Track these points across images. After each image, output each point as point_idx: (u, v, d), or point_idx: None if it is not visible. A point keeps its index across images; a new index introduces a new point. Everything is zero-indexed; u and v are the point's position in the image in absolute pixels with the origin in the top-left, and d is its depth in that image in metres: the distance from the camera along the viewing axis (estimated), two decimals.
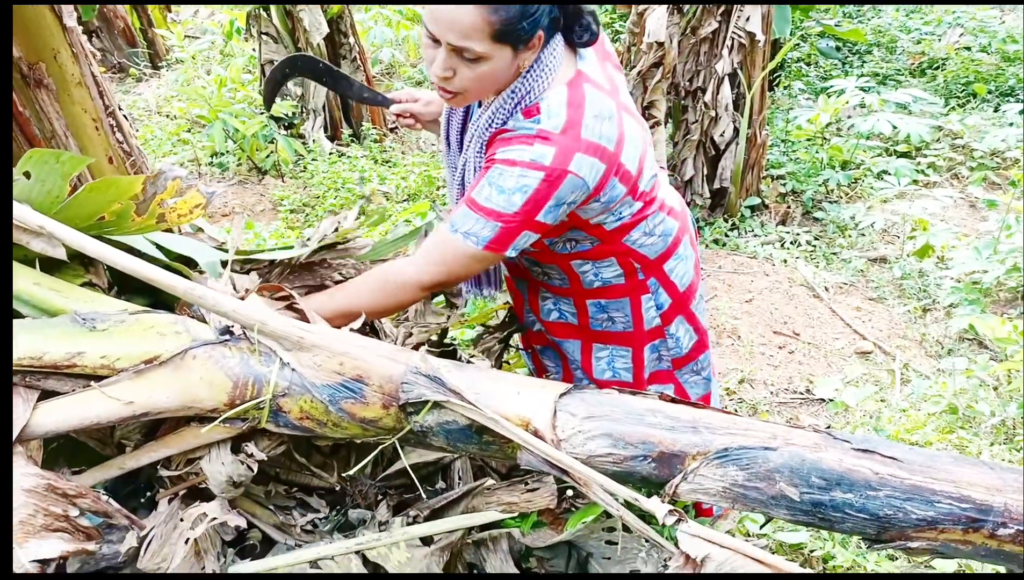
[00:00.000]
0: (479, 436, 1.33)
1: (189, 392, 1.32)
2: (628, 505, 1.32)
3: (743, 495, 1.28)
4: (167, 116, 6.55)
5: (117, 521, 1.39)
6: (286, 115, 5.59)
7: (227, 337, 1.36)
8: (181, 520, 1.47)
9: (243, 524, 1.46)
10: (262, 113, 5.60)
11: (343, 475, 1.66)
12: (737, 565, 1.22)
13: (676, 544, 1.25)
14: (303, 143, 5.68)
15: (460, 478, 1.95)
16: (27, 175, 1.26)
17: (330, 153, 5.65)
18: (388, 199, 5.12)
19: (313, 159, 5.53)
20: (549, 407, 1.30)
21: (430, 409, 1.32)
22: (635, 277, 1.78)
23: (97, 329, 1.33)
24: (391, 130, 6.25)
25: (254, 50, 6.50)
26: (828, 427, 2.80)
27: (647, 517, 1.33)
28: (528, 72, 1.48)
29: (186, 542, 1.44)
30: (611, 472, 1.29)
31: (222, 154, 5.68)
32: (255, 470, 1.40)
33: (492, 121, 1.53)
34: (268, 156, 5.54)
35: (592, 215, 1.60)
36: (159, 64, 8.07)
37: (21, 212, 1.26)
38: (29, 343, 1.28)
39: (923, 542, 1.24)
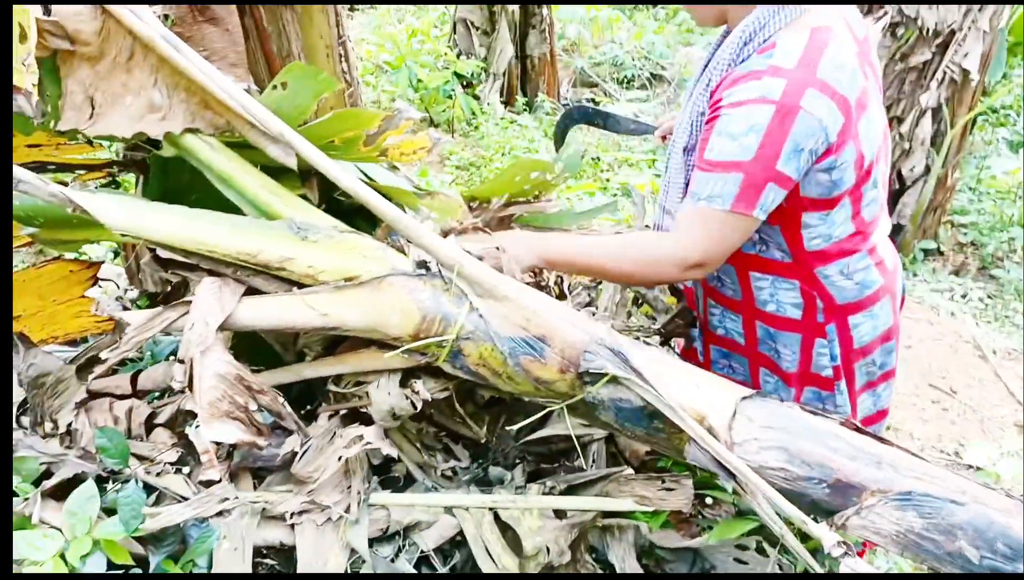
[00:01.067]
0: (650, 420, 1.31)
1: (380, 316, 1.37)
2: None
3: (916, 544, 1.20)
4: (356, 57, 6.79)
5: (287, 424, 1.46)
6: (469, 74, 5.70)
7: (423, 271, 1.39)
8: (339, 437, 1.53)
9: (395, 455, 1.50)
10: (446, 68, 5.73)
11: (495, 430, 1.69)
12: None
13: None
14: (478, 103, 5.78)
15: (594, 461, 1.94)
16: (283, 85, 1.32)
17: (501, 118, 5.72)
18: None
19: (485, 121, 5.62)
20: (729, 407, 1.26)
21: (606, 382, 1.31)
22: (813, 317, 1.64)
23: (308, 240, 1.39)
24: (564, 106, 6.26)
25: (447, 8, 6.65)
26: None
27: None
28: (761, 9, 1.41)
29: (339, 459, 1.50)
30: (779, 488, 1.24)
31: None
32: (418, 408, 1.44)
33: (723, 58, 1.46)
34: (444, 111, 5.67)
35: (809, 192, 1.47)
36: (354, 8, 8.38)
37: (265, 117, 1.32)
38: (247, 240, 1.36)
39: None
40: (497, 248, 1.54)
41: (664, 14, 8.47)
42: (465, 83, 5.90)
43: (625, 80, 7.01)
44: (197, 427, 1.32)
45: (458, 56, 5.85)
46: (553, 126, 5.84)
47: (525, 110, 5.97)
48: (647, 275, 1.57)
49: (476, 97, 5.83)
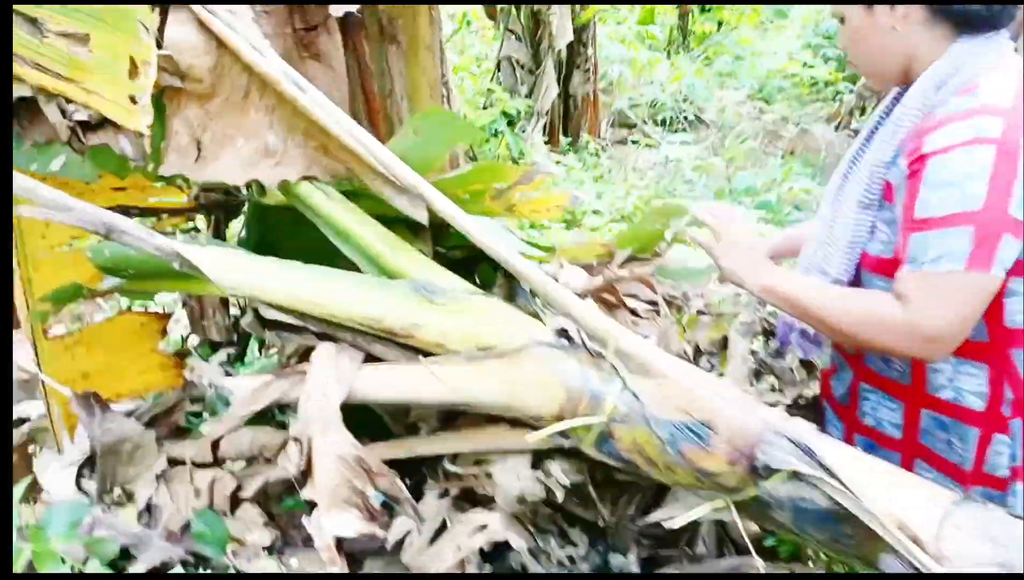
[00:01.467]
0: (837, 525, 1.13)
1: (518, 393, 1.21)
2: None
3: None
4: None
5: (402, 510, 1.30)
6: (517, 112, 5.59)
7: (565, 341, 1.23)
8: (456, 523, 1.36)
9: (524, 547, 1.33)
10: (489, 105, 5.64)
11: (615, 512, 1.51)
12: None
13: None
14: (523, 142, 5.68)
15: (705, 544, 1.76)
16: (415, 132, 1.18)
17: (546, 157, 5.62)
18: (598, 214, 5.00)
19: (530, 160, 5.51)
20: (935, 514, 1.08)
21: (786, 479, 1.14)
22: (997, 409, 1.38)
23: (435, 302, 1.23)
24: (604, 149, 6.17)
25: (488, 49, 6.59)
26: None
27: None
28: (956, 50, 1.27)
29: (458, 548, 1.33)
30: None
31: None
32: (558, 497, 1.27)
33: (911, 105, 1.30)
34: (489, 150, 5.56)
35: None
36: None
37: (397, 166, 1.18)
38: (369, 305, 1.21)
39: None
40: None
41: (703, 57, 8.40)
42: (508, 121, 5.81)
43: (666, 122, 6.90)
44: (313, 515, 1.16)
45: None
46: (597, 168, 5.80)
47: (569, 150, 5.86)
48: (869, 338, 1.33)
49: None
